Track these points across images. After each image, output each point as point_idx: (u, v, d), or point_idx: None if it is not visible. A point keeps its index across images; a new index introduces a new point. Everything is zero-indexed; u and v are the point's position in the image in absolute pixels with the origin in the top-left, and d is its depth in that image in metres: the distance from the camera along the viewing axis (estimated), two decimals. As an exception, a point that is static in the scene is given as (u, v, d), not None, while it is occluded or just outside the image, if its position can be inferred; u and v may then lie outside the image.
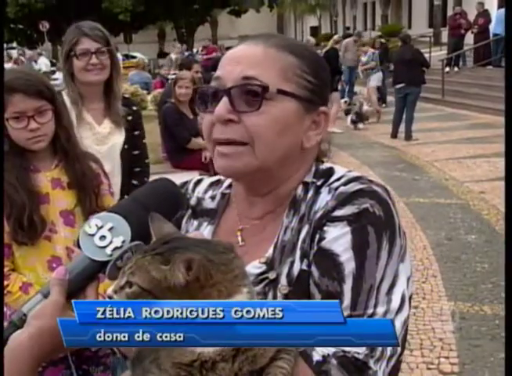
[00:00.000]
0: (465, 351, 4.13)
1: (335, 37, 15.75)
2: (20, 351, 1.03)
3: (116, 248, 1.10)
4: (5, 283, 2.35)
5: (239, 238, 1.28)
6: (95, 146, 3.00)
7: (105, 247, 1.10)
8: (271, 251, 1.20)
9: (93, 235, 1.11)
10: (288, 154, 1.21)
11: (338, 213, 1.14)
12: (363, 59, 16.10)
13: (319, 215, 1.17)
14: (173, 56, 17.41)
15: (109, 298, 1.02)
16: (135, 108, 3.35)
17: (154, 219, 1.10)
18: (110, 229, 1.11)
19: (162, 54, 31.30)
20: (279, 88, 1.17)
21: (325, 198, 1.19)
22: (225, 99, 1.17)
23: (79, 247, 1.12)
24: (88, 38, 3.04)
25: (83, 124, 3.05)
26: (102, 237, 1.10)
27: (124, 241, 1.10)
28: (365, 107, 15.01)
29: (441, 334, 4.36)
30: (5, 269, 2.37)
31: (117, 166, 3.18)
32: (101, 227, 1.11)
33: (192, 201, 1.39)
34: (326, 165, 1.28)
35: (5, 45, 40.68)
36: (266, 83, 1.16)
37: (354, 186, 1.17)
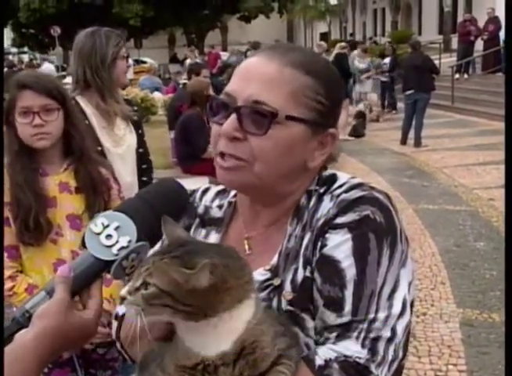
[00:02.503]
0: (473, 358, 4.12)
1: (342, 44, 15.73)
2: (24, 352, 1.02)
3: (122, 248, 1.10)
4: (12, 284, 2.38)
5: (246, 246, 1.29)
6: (112, 148, 3.05)
7: (111, 246, 1.10)
8: (276, 258, 1.21)
9: (99, 234, 1.10)
10: (291, 173, 1.22)
11: (339, 220, 1.15)
12: (362, 66, 16.18)
13: (321, 222, 1.18)
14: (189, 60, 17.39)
15: (123, 299, 1.03)
16: (135, 108, 3.48)
17: (167, 222, 1.11)
18: (116, 229, 1.11)
19: (175, 59, 31.33)
20: (289, 115, 1.16)
21: (327, 206, 1.20)
22: (233, 117, 1.17)
23: (84, 245, 1.12)
24: (123, 45, 3.22)
25: (100, 128, 3.09)
26: (109, 236, 1.10)
27: (130, 241, 1.10)
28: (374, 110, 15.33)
29: (450, 342, 4.34)
30: (13, 271, 2.40)
31: (135, 165, 3.28)
32: (107, 226, 1.11)
33: (200, 210, 1.39)
34: (329, 172, 1.28)
35: (16, 50, 40.96)
36: (276, 109, 1.15)
37: (355, 193, 1.17)
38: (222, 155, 1.20)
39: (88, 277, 1.11)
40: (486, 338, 4.38)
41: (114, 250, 1.10)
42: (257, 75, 1.19)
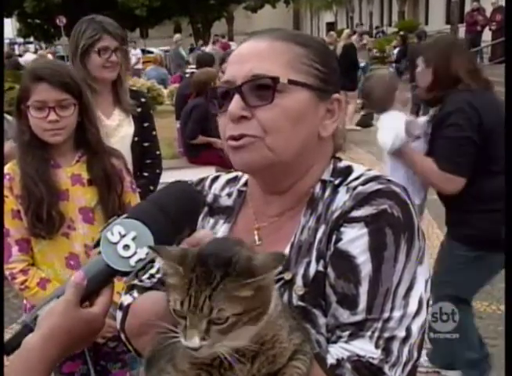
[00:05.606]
0: (481, 350, 4.08)
1: (347, 30, 15.55)
2: (30, 355, 1.00)
3: (140, 260, 1.08)
4: (24, 278, 2.35)
5: (256, 237, 1.26)
6: (104, 139, 3.01)
7: (129, 257, 1.08)
8: (287, 250, 1.18)
9: (116, 243, 1.08)
10: (305, 145, 1.19)
11: (356, 214, 1.12)
12: None
13: (336, 215, 1.15)
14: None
15: (195, 350, 0.94)
16: (143, 100, 3.34)
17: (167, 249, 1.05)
18: (134, 239, 1.08)
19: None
20: (290, 79, 1.16)
21: (342, 198, 1.17)
22: (236, 97, 1.16)
23: (96, 246, 1.10)
24: (109, 36, 3.02)
25: None
26: (126, 247, 1.08)
27: (147, 253, 1.08)
28: None
29: (457, 334, 4.31)
30: (24, 264, 2.36)
31: (128, 158, 3.18)
32: (124, 235, 1.08)
33: (209, 198, 1.37)
34: (344, 163, 1.26)
35: (22, 40, 40.95)
36: (276, 75, 1.15)
37: (372, 186, 1.14)
38: (233, 139, 1.17)
39: (98, 282, 1.10)
40: (494, 330, 4.37)
41: (132, 262, 1.08)
42: (250, 55, 1.19)
